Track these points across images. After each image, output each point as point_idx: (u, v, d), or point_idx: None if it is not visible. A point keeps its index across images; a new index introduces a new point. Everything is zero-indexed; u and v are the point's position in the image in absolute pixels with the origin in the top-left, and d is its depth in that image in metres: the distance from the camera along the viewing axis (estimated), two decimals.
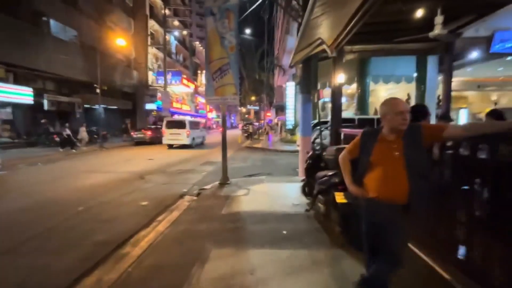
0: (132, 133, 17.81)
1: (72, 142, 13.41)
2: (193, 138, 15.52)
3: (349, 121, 12.53)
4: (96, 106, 17.05)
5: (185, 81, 30.09)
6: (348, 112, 19.70)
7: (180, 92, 33.23)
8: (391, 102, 1.72)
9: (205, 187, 5.70)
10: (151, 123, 26.02)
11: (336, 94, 4.29)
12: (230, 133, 34.18)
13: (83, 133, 14.91)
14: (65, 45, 16.74)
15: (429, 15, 3.22)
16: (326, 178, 3.01)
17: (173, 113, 29.98)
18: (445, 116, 4.06)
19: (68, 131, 13.29)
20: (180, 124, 14.90)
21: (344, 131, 4.25)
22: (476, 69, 16.06)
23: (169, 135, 14.75)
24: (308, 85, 6.22)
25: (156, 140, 17.91)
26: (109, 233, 3.55)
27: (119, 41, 17.10)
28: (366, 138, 1.88)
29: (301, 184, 4.54)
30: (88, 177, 7.28)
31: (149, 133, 17.55)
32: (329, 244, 2.97)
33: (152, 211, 4.41)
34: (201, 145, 17.61)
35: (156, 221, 3.92)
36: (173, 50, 32.33)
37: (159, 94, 25.15)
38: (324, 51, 4.40)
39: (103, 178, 7.08)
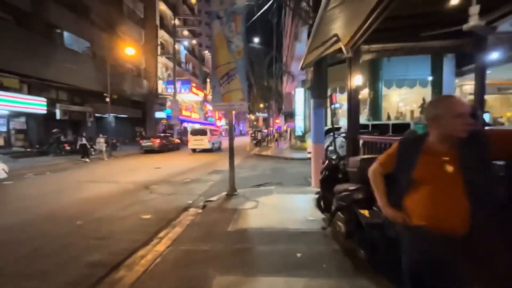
0: (140, 141, 17.80)
1: (86, 152, 13.40)
2: (213, 143, 18.10)
3: (362, 127, 12.02)
4: (107, 115, 17.23)
5: (194, 90, 30.34)
6: (360, 118, 19.09)
7: (189, 100, 33.50)
8: (447, 101, 1.32)
9: (211, 198, 5.35)
10: (160, 131, 26.20)
11: (353, 98, 3.89)
12: (238, 140, 33.97)
13: (101, 143, 14.83)
14: (78, 56, 17.12)
15: (461, 6, 2.84)
16: (347, 193, 2.59)
17: (182, 121, 30.16)
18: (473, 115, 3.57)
19: (84, 141, 13.30)
20: (203, 132, 17.82)
21: (363, 138, 3.83)
22: (495, 71, 15.28)
23: (193, 141, 17.35)
24: (320, 89, 5.85)
25: (165, 148, 17.86)
26: (104, 253, 3.23)
27: (129, 51, 17.34)
28: (405, 148, 1.48)
29: (316, 196, 4.11)
30: (93, 187, 7.08)
31: (157, 141, 17.52)
32: (352, 271, 2.53)
33: (153, 226, 4.08)
34: (218, 149, 19.30)
35: (157, 237, 3.58)
36: (183, 59, 32.80)
37: (168, 103, 25.37)
38: (338, 51, 4.05)
39: (107, 189, 6.86)
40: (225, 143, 22.43)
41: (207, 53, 42.67)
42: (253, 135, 25.09)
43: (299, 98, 24.62)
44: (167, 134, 21.51)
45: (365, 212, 2.42)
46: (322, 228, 3.35)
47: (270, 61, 21.67)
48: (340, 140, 7.05)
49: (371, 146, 3.46)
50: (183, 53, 32.85)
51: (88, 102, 18.28)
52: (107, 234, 3.83)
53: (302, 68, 6.14)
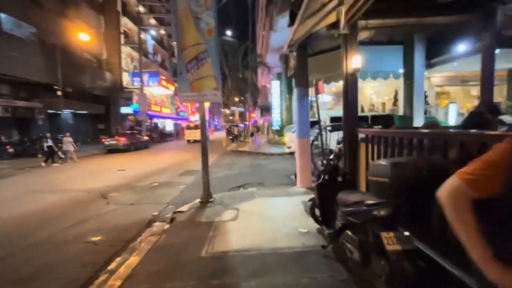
0: (103, 140, 15.98)
1: (52, 155, 11.50)
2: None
3: (340, 119, 11.68)
4: (61, 111, 15.14)
5: (164, 83, 28.37)
6: (335, 111, 19.05)
7: (159, 94, 31.39)
8: None
9: (181, 208, 4.45)
10: (128, 128, 24.16)
11: (350, 84, 3.23)
12: (214, 136, 32.62)
13: (68, 144, 12.52)
14: (22, 43, 14.72)
15: None
16: (364, 208, 1.91)
17: (151, 117, 28.15)
18: (493, 109, 3.11)
19: (50, 142, 11.36)
20: (196, 127, 21.13)
21: (366, 131, 3.19)
22: (462, 63, 15.92)
23: (189, 134, 22.37)
24: (305, 77, 5.16)
25: (131, 147, 16.27)
26: None
27: (83, 37, 15.31)
28: None
29: (308, 202, 3.43)
30: (34, 200, 5.77)
31: (123, 139, 15.86)
32: None
33: (103, 253, 3.12)
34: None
35: (105, 272, 2.65)
36: (150, 50, 30.47)
37: (135, 97, 23.36)
38: (332, 26, 3.35)
39: (54, 201, 5.61)
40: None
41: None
42: (229, 130, 24.10)
43: (275, 91, 24.03)
44: (134, 131, 19.74)
45: (390, 236, 1.76)
46: (322, 246, 2.67)
47: (245, 51, 20.68)
48: (334, 135, 6.49)
49: (377, 143, 2.82)
50: (150, 43, 30.48)
51: (38, 97, 15.94)
52: (35, 271, 2.81)
53: (290, 46, 5.36)
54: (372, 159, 2.94)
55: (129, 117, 25.51)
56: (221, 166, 9.52)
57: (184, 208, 4.46)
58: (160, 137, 25.91)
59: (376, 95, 23.07)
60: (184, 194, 5.84)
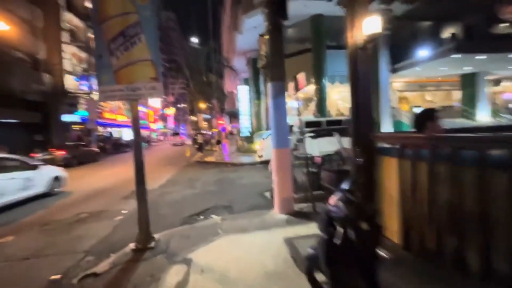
0: (32, 154, 13.05)
1: None
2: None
3: (316, 124, 10.86)
4: None
5: None
6: (304, 117, 18.48)
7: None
8: None
9: (98, 268, 2.80)
10: (74, 139, 20.85)
11: (362, 61, 2.02)
12: (169, 149, 30.14)
13: None
14: None
15: None
16: None
17: (104, 126, 24.95)
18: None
19: None
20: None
21: (400, 137, 1.96)
22: (424, 68, 16.46)
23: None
24: (281, 67, 3.91)
25: (74, 162, 13.60)
26: None
27: (10, 30, 12.48)
28: None
29: (296, 244, 2.12)
30: None
31: (61, 153, 13.14)
32: None
33: None
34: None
35: None
36: None
37: (85, 103, 20.29)
38: None
39: None
40: (153, 153, 19.19)
41: None
42: (194, 138, 22.16)
43: (243, 96, 22.84)
44: (80, 143, 16.86)
45: None
46: None
47: (208, 53, 19.18)
48: (316, 143, 5.33)
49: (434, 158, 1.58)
50: None
51: None
52: None
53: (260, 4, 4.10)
54: (415, 190, 1.69)
55: (74, 126, 22.13)
56: (180, 183, 7.83)
57: (103, 266, 2.81)
58: (114, 148, 22.86)
59: (341, 100, 23.18)
60: (117, 232, 4.13)
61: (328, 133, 4.78)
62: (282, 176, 3.95)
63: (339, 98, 23.13)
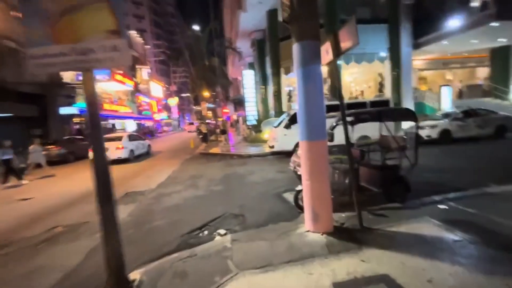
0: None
1: (15, 171, 8.19)
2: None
3: (336, 106, 9.43)
4: None
5: (118, 77, 24.30)
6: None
7: (114, 90, 27.11)
8: None
9: None
10: (74, 133, 20.03)
11: None
12: (181, 136, 29.18)
13: (35, 153, 9.64)
14: None
15: None
16: None
17: (106, 117, 24.02)
18: None
19: (9, 153, 8.05)
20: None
21: None
22: (452, 41, 14.64)
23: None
24: (313, 20, 2.62)
25: (70, 157, 12.70)
26: None
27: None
28: None
29: None
30: None
31: (56, 147, 12.22)
32: None
33: None
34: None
35: None
36: None
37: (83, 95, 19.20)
38: None
39: None
40: (157, 146, 18.18)
41: (134, 34, 35.70)
42: (198, 128, 21.02)
43: (248, 81, 21.33)
44: (77, 137, 15.93)
45: None
46: None
47: (210, 33, 17.63)
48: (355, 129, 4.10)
49: None
50: None
51: None
52: None
53: None
54: None
55: (75, 119, 21.26)
56: (182, 181, 6.74)
57: None
58: None
59: (354, 83, 21.43)
60: (92, 259, 3.06)
61: (376, 117, 3.51)
62: (317, 180, 2.75)
63: (352, 81, 21.44)
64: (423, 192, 3.99)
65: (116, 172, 8.76)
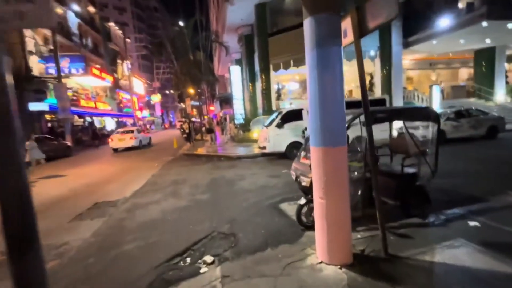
0: None
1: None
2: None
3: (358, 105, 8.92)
4: None
5: (96, 71, 22.68)
6: (303, 100, 16.48)
7: (91, 86, 25.38)
8: None
9: None
10: (45, 131, 18.36)
11: None
12: (165, 134, 27.87)
13: (33, 150, 8.66)
14: None
15: None
16: None
17: (81, 114, 22.33)
18: None
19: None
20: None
21: None
22: (441, 41, 14.62)
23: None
24: None
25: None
26: None
27: None
28: None
29: None
30: None
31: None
32: None
33: None
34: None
35: None
36: (75, 30, 24.10)
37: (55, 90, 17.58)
38: None
39: None
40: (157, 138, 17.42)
41: (114, 27, 33.72)
42: (182, 126, 19.97)
43: (236, 77, 20.52)
44: (47, 136, 14.53)
45: None
46: None
47: (194, 26, 16.64)
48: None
49: None
50: (74, 21, 24.05)
51: None
52: None
53: None
54: None
55: (48, 116, 19.53)
56: (161, 187, 5.92)
57: None
58: (92, 140, 20.42)
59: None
60: None
61: (394, 116, 2.94)
62: (335, 198, 2.11)
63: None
64: (440, 202, 3.48)
65: (91, 176, 7.77)
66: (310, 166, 3.11)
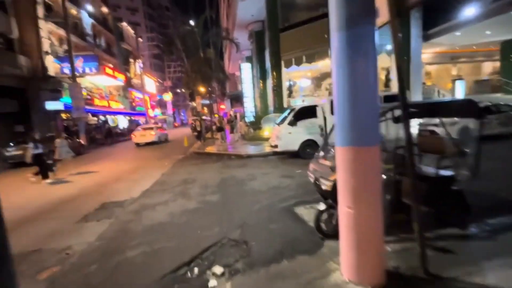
0: (3, 150, 11.05)
1: (45, 166, 7.59)
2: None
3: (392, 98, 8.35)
4: None
5: (109, 70, 23.04)
6: (315, 97, 15.92)
7: (104, 85, 25.81)
8: None
9: None
10: (60, 129, 18.77)
11: None
12: (177, 132, 28.10)
13: (62, 148, 8.67)
14: None
15: None
16: None
17: (95, 113, 22.75)
18: None
19: (38, 148, 7.40)
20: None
21: None
22: (465, 33, 13.74)
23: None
24: None
25: (50, 157, 11.49)
26: None
27: None
28: None
29: None
30: None
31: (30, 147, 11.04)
32: None
33: None
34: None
35: None
36: (89, 30, 24.54)
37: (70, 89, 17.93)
38: None
39: None
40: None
41: (126, 26, 34.17)
42: (192, 124, 19.92)
43: (246, 75, 20.26)
44: (60, 134, 14.74)
45: None
46: None
47: (205, 23, 16.45)
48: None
49: None
50: (88, 22, 24.49)
51: None
52: None
53: None
54: None
55: (64, 115, 19.97)
56: (171, 187, 5.72)
57: None
58: (105, 138, 20.75)
59: None
60: None
61: (429, 112, 2.57)
62: (367, 207, 1.78)
63: None
64: (480, 209, 3.05)
65: (102, 175, 7.71)
66: (331, 167, 2.78)
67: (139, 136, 16.08)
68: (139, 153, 12.88)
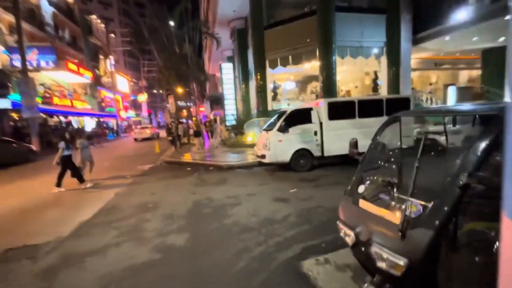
0: None
1: (77, 171, 6.28)
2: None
3: (348, 104, 7.28)
4: None
5: (72, 66, 20.44)
6: (298, 101, 14.90)
7: (68, 83, 23.00)
8: None
9: None
10: (8, 131, 16.04)
11: None
12: (148, 136, 25.77)
13: (85, 150, 6.76)
14: None
15: None
16: None
17: (54, 113, 19.97)
18: None
19: (67, 150, 6.07)
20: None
21: None
22: (454, 37, 13.42)
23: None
24: None
25: None
26: None
27: None
28: None
29: None
30: None
31: None
32: None
33: None
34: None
35: None
36: (49, 20, 21.72)
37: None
38: None
39: None
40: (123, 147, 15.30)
41: (95, 19, 31.25)
42: (168, 128, 18.01)
43: (228, 76, 18.81)
44: (7, 139, 12.31)
45: None
46: None
47: (181, 15, 14.78)
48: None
49: None
50: (48, 10, 21.68)
51: None
52: None
53: None
54: None
55: (12, 114, 17.14)
56: (120, 217, 4.12)
57: None
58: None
59: (340, 82, 19.91)
60: None
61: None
62: None
63: (339, 79, 19.81)
64: None
65: (42, 189, 5.78)
66: (400, 229, 1.43)
67: (137, 133, 21.68)
68: (99, 162, 10.90)
